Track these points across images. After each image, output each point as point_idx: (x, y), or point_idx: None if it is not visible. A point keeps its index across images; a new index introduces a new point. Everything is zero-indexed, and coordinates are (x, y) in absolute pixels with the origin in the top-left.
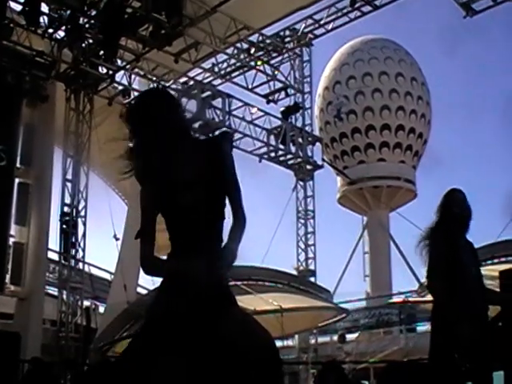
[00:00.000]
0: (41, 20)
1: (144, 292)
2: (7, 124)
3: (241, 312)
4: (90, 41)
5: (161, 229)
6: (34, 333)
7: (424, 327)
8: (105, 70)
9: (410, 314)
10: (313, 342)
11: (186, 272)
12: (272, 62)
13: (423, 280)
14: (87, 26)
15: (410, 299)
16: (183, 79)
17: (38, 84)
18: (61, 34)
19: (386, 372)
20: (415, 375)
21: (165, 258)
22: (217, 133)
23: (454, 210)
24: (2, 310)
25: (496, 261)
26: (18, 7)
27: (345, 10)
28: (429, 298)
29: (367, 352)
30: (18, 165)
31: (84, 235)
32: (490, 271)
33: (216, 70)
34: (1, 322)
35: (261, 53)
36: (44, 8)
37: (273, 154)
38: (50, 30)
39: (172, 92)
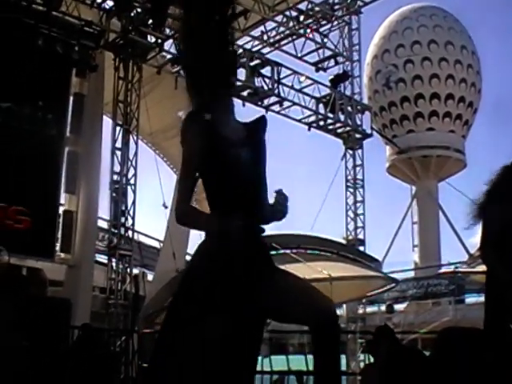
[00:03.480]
0: None
1: None
2: (57, 94)
3: (295, 277)
4: (139, 10)
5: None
6: (83, 300)
7: (473, 299)
8: (153, 39)
9: (459, 285)
10: (361, 311)
11: (231, 228)
12: (321, 29)
13: (473, 251)
14: None
15: (460, 270)
16: None
17: (87, 54)
18: (109, 3)
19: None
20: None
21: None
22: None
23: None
24: (52, 278)
25: None
26: None
27: None
28: (479, 268)
29: (415, 323)
30: (67, 134)
31: (133, 203)
32: None
33: (265, 38)
34: (51, 289)
35: (310, 20)
36: None
37: (322, 123)
38: (99, 0)
39: None
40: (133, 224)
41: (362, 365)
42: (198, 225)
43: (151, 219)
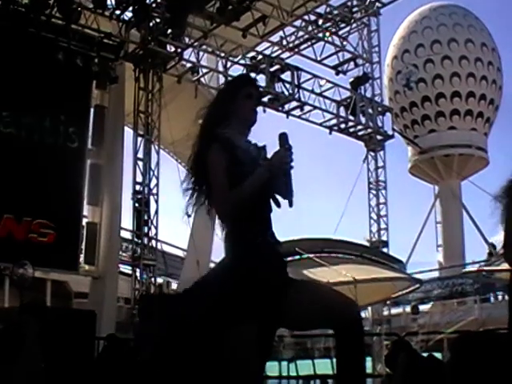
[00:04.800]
0: (108, 2)
1: None
2: (78, 106)
3: (313, 283)
4: (158, 20)
5: None
6: (108, 311)
7: (499, 297)
8: (173, 49)
9: (484, 283)
10: (386, 313)
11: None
12: (340, 32)
13: (498, 249)
14: (154, 5)
15: (485, 268)
16: (251, 54)
17: (106, 65)
18: (128, 14)
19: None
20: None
21: None
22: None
23: None
24: (77, 290)
25: None
26: None
27: None
28: (504, 266)
29: (441, 323)
30: (89, 146)
31: (156, 213)
32: None
33: (284, 43)
34: (76, 301)
35: (329, 24)
36: None
37: (343, 126)
38: (117, 12)
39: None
40: (156, 234)
41: None
42: (252, 187)
43: (174, 228)
